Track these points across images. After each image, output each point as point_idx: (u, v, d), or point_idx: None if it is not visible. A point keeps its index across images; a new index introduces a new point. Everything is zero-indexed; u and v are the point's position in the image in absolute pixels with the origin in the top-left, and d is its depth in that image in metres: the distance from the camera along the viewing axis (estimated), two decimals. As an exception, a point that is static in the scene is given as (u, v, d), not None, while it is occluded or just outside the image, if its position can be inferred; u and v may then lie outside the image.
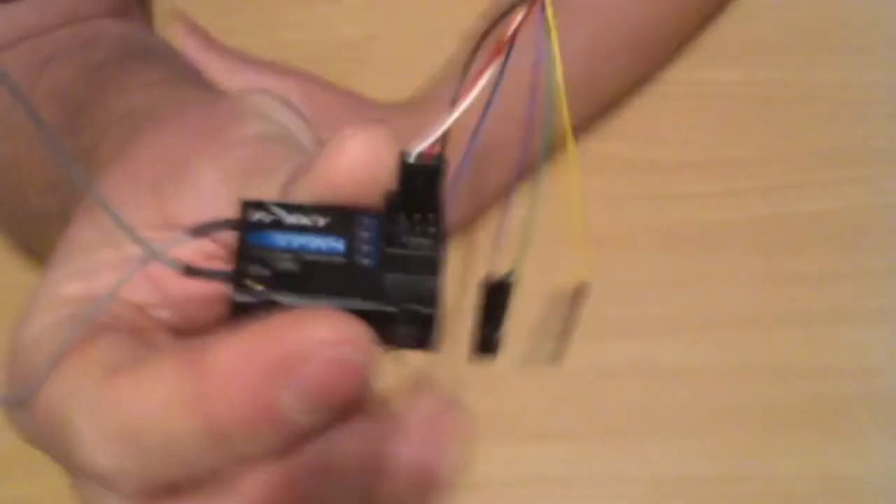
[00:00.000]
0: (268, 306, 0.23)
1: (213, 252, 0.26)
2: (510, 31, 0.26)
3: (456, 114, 0.25)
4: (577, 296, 0.28)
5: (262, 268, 0.23)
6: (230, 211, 0.25)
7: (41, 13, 0.45)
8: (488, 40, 0.26)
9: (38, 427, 0.25)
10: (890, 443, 0.50)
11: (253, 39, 0.58)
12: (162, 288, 0.26)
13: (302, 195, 0.25)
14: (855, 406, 0.51)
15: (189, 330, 0.27)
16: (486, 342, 0.28)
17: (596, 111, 0.55)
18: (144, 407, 0.22)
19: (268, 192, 0.25)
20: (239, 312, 0.23)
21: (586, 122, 0.55)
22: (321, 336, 0.21)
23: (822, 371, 0.52)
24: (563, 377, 0.52)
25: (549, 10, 0.26)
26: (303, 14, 0.59)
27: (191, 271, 0.25)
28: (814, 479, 0.50)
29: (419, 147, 0.24)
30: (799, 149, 0.56)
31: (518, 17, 0.26)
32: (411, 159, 0.24)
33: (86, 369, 0.24)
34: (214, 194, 0.26)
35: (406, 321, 0.24)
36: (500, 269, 0.28)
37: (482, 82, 0.25)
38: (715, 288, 0.53)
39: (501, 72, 0.25)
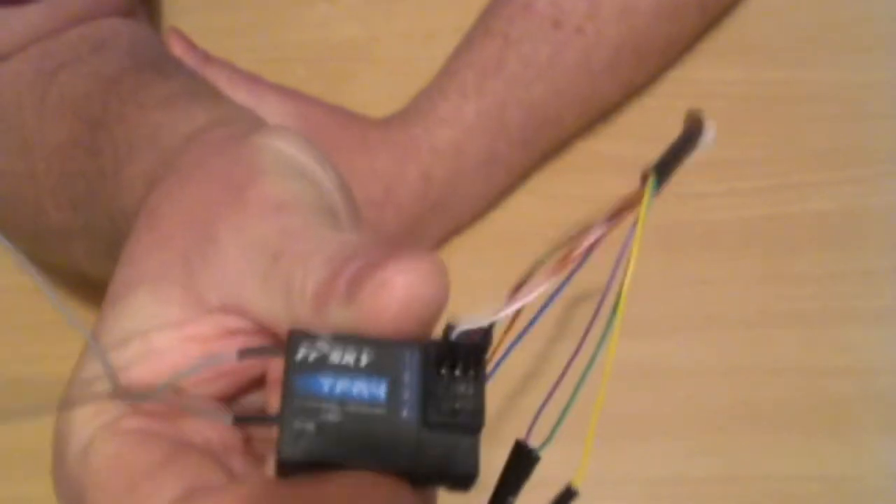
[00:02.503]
0: (314, 464, 0.24)
1: (236, 328, 0.27)
2: (581, 250, 0.27)
3: (511, 309, 0.25)
4: (562, 498, 0.29)
5: (309, 420, 0.24)
6: (256, 288, 0.26)
7: (50, 16, 0.45)
8: (560, 250, 0.27)
9: None
10: (890, 443, 0.50)
11: (253, 39, 0.58)
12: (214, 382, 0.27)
13: (340, 321, 0.25)
14: (855, 406, 0.51)
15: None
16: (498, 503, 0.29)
17: (594, 120, 0.55)
18: None
19: (298, 285, 0.25)
20: (287, 466, 0.24)
21: (585, 129, 0.55)
22: None
23: (822, 371, 0.52)
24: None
25: (639, 233, 0.26)
26: (303, 14, 0.59)
27: (238, 420, 0.26)
28: (814, 479, 0.50)
29: (465, 326, 0.25)
30: (799, 149, 0.56)
31: (593, 235, 0.26)
32: (454, 337, 0.25)
33: None
34: (240, 273, 0.26)
35: (442, 479, 0.25)
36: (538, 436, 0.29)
37: (537, 291, 0.26)
38: (715, 288, 0.53)
39: (559, 288, 0.26)
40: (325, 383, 0.24)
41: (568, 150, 0.55)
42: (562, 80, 0.52)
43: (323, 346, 0.25)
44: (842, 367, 0.52)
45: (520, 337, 0.27)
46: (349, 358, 0.25)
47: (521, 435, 0.29)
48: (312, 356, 0.25)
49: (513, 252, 0.50)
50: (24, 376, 0.52)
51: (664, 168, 0.28)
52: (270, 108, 0.50)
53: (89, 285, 0.28)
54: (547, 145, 0.54)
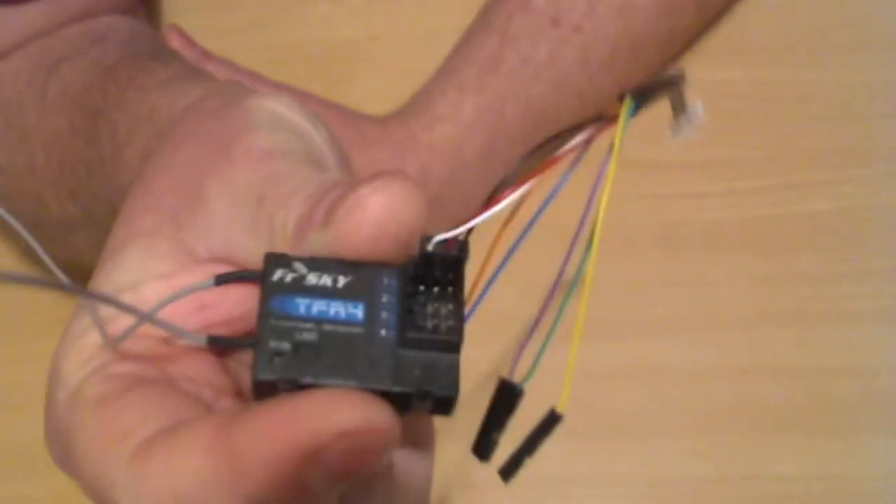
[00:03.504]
0: (289, 384, 0.24)
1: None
2: (564, 151, 0.26)
3: (486, 215, 0.25)
4: (547, 421, 0.28)
5: (284, 341, 0.24)
6: (243, 235, 0.26)
7: (49, 14, 0.45)
8: (543, 149, 0.26)
9: (86, 490, 0.26)
10: (890, 443, 0.50)
11: (253, 39, 0.58)
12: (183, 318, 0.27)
13: (319, 247, 0.25)
14: (855, 406, 0.51)
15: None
16: (482, 444, 0.28)
17: (592, 117, 0.55)
18: (179, 486, 0.23)
19: (280, 222, 0.25)
20: (262, 387, 0.24)
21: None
22: (344, 427, 0.22)
23: (822, 371, 0.52)
24: (562, 377, 0.52)
25: (615, 152, 0.26)
26: (303, 14, 0.59)
27: (214, 341, 0.26)
28: (813, 479, 0.50)
29: (441, 236, 0.25)
30: (799, 149, 0.56)
31: (578, 138, 0.26)
32: (431, 247, 0.25)
33: (118, 449, 0.24)
34: (227, 221, 0.26)
35: (424, 399, 0.24)
36: (521, 371, 0.28)
37: (518, 193, 0.26)
38: (715, 288, 0.53)
39: (554, 193, 0.26)
40: (302, 304, 0.24)
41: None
42: (560, 77, 0.52)
43: (300, 267, 0.25)
44: (842, 367, 0.52)
45: (503, 263, 0.27)
46: (326, 280, 0.25)
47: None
48: (289, 277, 0.24)
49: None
50: (25, 376, 0.52)
51: (643, 93, 0.27)
52: None
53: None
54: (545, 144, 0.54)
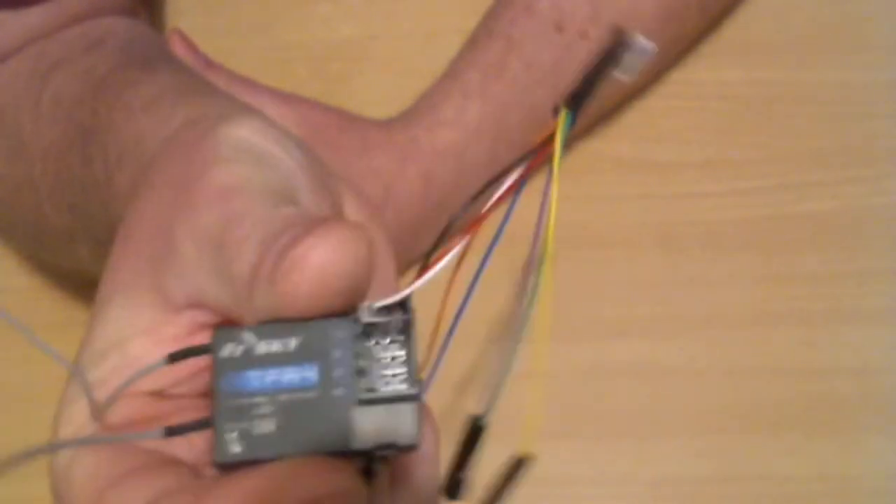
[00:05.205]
0: (250, 462, 0.24)
1: (206, 322, 0.27)
2: (493, 201, 0.26)
3: (426, 278, 0.25)
4: (514, 468, 0.28)
5: (240, 421, 0.24)
6: (210, 281, 0.26)
7: (49, 18, 0.45)
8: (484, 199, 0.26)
9: None
10: (890, 443, 0.50)
11: (253, 40, 0.58)
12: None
13: (266, 306, 0.24)
14: (855, 406, 0.51)
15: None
16: (450, 484, 0.28)
17: (597, 119, 0.55)
18: None
19: (236, 272, 0.25)
20: (225, 467, 0.24)
21: (587, 129, 0.55)
22: (305, 496, 0.23)
23: (821, 371, 0.52)
24: (563, 377, 0.52)
25: (556, 172, 0.26)
26: (303, 14, 0.59)
27: (171, 432, 0.25)
28: (813, 479, 0.50)
29: (380, 303, 0.24)
30: (799, 149, 0.56)
31: (506, 183, 0.26)
32: (371, 317, 0.24)
33: None
34: (196, 267, 0.26)
35: (386, 450, 0.24)
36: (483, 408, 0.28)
37: (450, 256, 0.25)
38: (715, 288, 0.53)
39: (491, 245, 0.25)
40: (254, 377, 0.24)
41: (568, 150, 0.55)
42: (564, 83, 0.52)
43: (249, 338, 0.24)
44: (842, 367, 0.52)
45: (463, 304, 0.27)
46: (276, 346, 0.24)
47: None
48: (239, 351, 0.24)
49: (513, 253, 0.50)
50: (24, 377, 0.52)
51: (578, 99, 0.26)
52: (268, 113, 0.51)
53: (94, 286, 0.29)
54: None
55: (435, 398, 0.28)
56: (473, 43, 0.53)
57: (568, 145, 0.59)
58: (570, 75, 0.52)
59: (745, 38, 0.58)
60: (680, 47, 0.56)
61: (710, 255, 0.54)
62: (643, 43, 0.26)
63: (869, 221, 0.54)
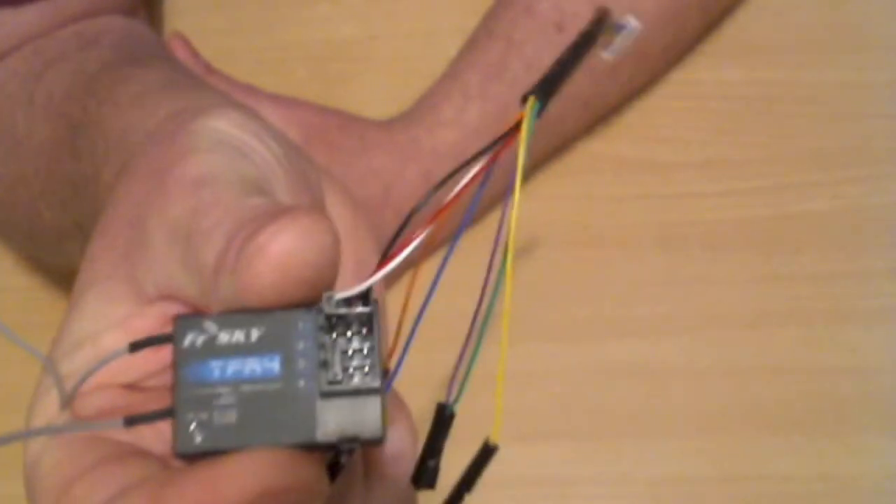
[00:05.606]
0: (212, 453, 0.23)
1: (177, 314, 0.26)
2: (456, 192, 0.26)
3: (380, 274, 0.24)
4: (482, 456, 0.27)
5: (201, 411, 0.24)
6: (180, 272, 0.25)
7: (46, 16, 0.45)
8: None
9: None
10: (890, 443, 0.50)
11: (253, 40, 0.58)
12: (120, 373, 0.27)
13: (229, 295, 0.24)
14: (855, 406, 0.51)
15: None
16: (421, 472, 0.28)
17: (598, 120, 0.55)
18: None
19: (202, 261, 0.25)
20: (186, 458, 0.24)
21: (587, 130, 0.55)
22: (266, 486, 0.23)
23: (821, 371, 0.52)
24: (563, 377, 0.52)
25: (520, 163, 0.25)
26: (303, 14, 0.59)
27: (130, 422, 0.25)
28: (813, 479, 0.50)
29: (341, 294, 0.24)
30: (799, 149, 0.56)
31: (470, 173, 0.26)
32: (332, 308, 0.24)
33: None
34: (166, 257, 0.26)
35: (351, 443, 0.24)
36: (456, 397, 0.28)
37: (411, 247, 0.25)
38: (715, 288, 0.53)
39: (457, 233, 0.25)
40: (216, 367, 0.24)
41: (568, 150, 0.55)
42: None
43: (210, 327, 0.24)
44: (842, 367, 0.52)
45: (427, 301, 0.26)
46: (239, 336, 0.24)
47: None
48: (200, 341, 0.24)
49: (514, 253, 0.49)
50: (23, 377, 0.52)
51: (548, 87, 0.26)
52: (268, 117, 0.51)
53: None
54: (548, 147, 0.54)
55: (415, 398, 0.28)
56: (474, 43, 0.53)
57: (568, 145, 0.60)
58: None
59: (745, 38, 0.58)
60: (680, 48, 0.56)
61: (709, 255, 0.54)
62: (628, 21, 0.26)
63: (869, 221, 0.54)
